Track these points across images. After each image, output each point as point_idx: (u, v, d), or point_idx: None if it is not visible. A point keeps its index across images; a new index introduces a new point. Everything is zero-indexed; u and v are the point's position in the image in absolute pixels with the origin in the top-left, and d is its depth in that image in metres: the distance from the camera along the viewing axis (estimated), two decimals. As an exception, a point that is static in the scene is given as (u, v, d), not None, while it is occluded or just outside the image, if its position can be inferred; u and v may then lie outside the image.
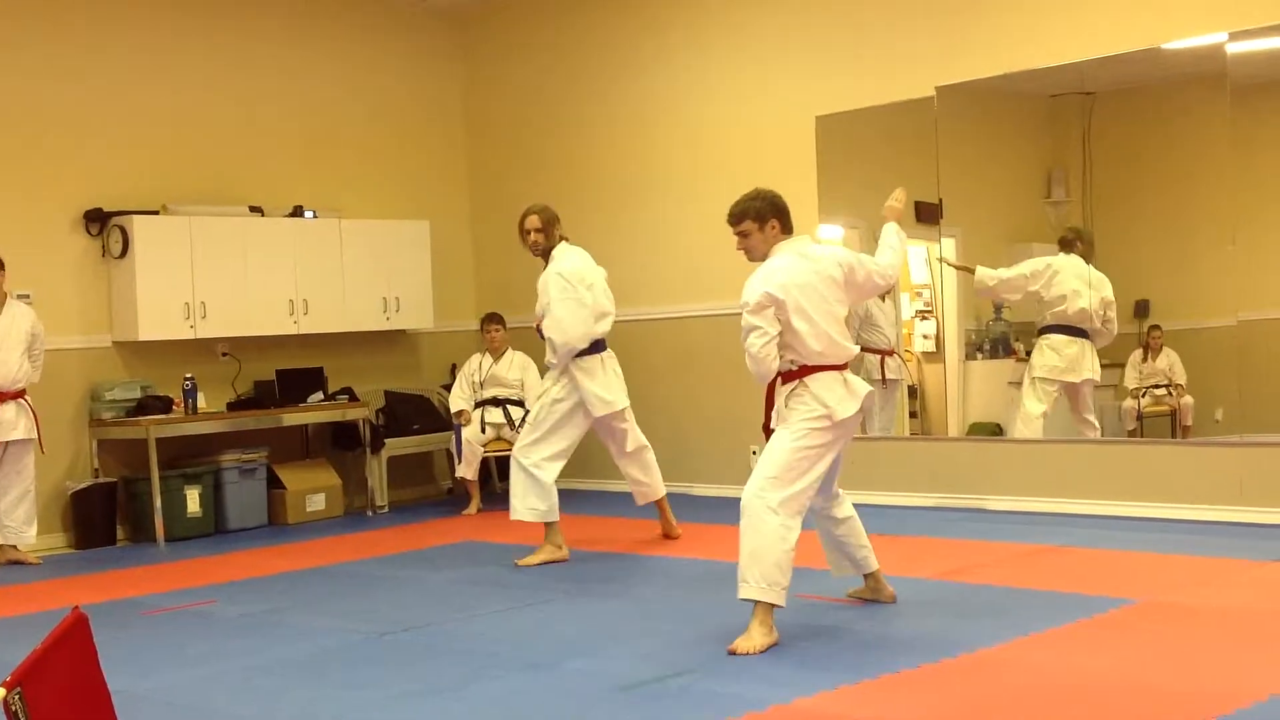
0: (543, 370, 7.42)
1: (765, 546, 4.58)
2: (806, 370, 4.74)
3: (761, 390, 4.96)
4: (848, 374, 4.82)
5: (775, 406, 4.84)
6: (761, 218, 4.88)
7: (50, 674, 2.84)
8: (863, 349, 8.44)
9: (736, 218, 4.93)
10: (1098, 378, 7.56)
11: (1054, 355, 7.57)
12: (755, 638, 4.55)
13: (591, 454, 8.12)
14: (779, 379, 4.80)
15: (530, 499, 6.51)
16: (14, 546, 7.56)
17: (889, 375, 8.37)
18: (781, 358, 4.75)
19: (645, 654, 4.59)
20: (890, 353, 8.37)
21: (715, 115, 8.83)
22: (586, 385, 6.54)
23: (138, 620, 5.77)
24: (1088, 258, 7.55)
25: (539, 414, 6.60)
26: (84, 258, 8.40)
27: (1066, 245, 7.64)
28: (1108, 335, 7.56)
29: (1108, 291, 7.51)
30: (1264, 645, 4.42)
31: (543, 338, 6.64)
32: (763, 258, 4.90)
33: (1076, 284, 7.54)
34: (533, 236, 6.58)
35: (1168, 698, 3.84)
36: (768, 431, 4.89)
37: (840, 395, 4.73)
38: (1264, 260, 6.98)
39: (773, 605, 4.60)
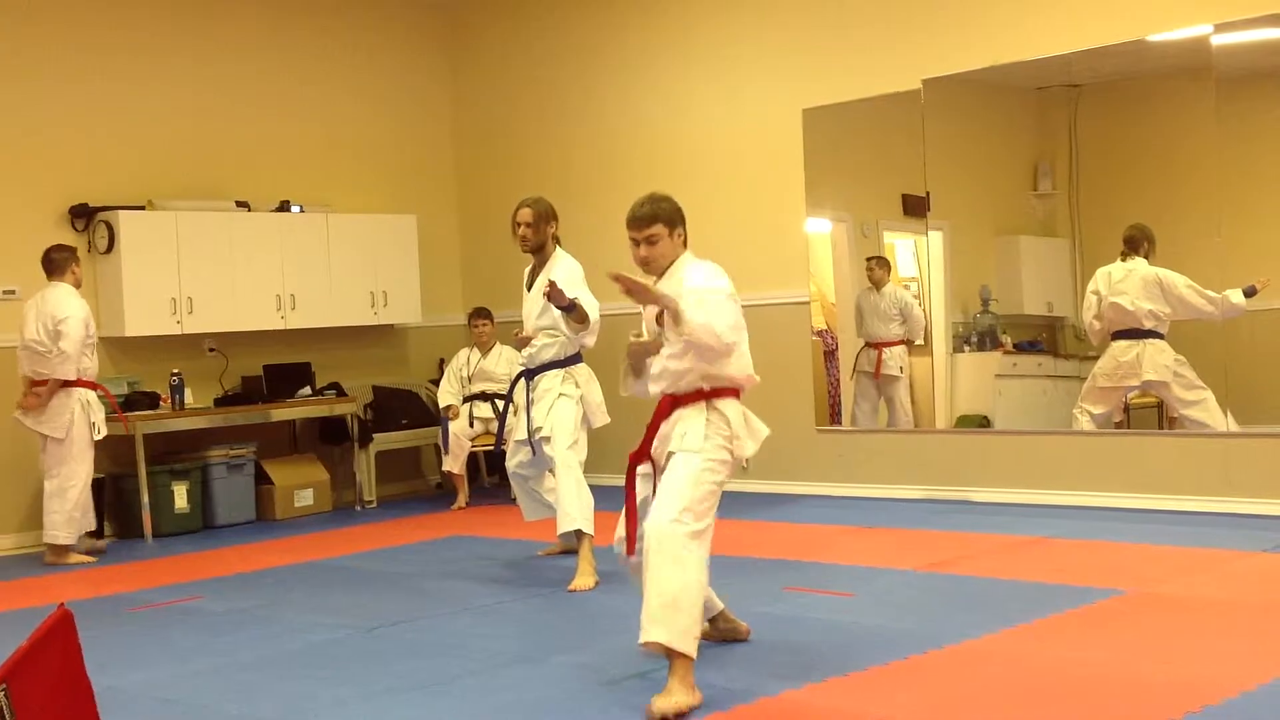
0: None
1: (687, 588, 3.91)
2: (720, 392, 4.12)
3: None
4: (745, 409, 4.21)
5: (675, 430, 4.12)
6: (672, 222, 4.22)
7: (36, 671, 2.83)
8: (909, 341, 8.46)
9: (645, 221, 4.19)
10: (1159, 377, 7.28)
11: (1111, 362, 7.44)
12: (677, 695, 3.85)
13: (594, 447, 8.06)
14: (670, 399, 4.16)
15: (585, 506, 6.10)
16: (64, 546, 7.30)
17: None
18: (692, 371, 4.09)
19: (632, 648, 4.59)
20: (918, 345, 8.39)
21: (702, 109, 8.83)
22: (589, 394, 6.29)
23: (125, 616, 5.76)
24: (1150, 257, 7.32)
25: (567, 414, 6.17)
26: (70, 253, 8.37)
27: (1133, 245, 7.38)
28: (1230, 306, 7.00)
29: (1178, 285, 7.19)
30: (1251, 635, 4.44)
31: (568, 309, 5.83)
32: (661, 272, 4.21)
33: (1137, 285, 7.40)
34: (521, 230, 6.32)
35: (1155, 688, 3.85)
36: (645, 458, 4.21)
37: (745, 431, 4.15)
38: (1250, 251, 7.00)
39: (691, 659, 3.92)
